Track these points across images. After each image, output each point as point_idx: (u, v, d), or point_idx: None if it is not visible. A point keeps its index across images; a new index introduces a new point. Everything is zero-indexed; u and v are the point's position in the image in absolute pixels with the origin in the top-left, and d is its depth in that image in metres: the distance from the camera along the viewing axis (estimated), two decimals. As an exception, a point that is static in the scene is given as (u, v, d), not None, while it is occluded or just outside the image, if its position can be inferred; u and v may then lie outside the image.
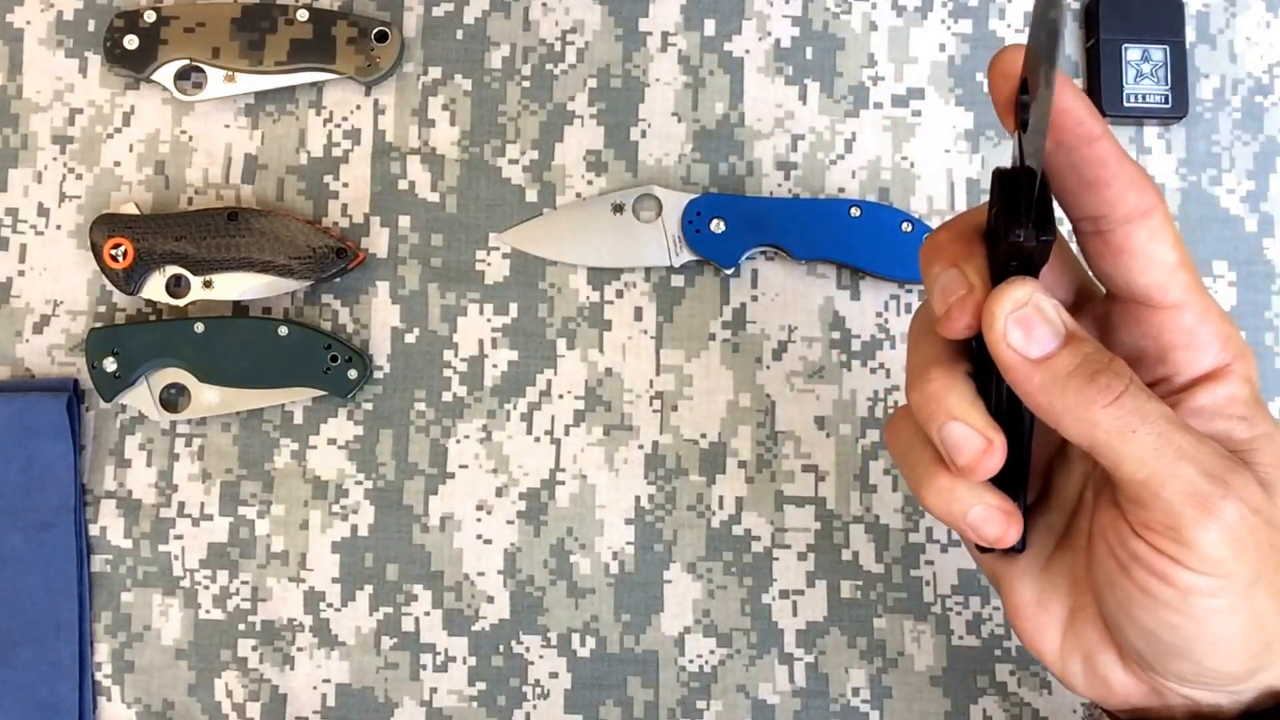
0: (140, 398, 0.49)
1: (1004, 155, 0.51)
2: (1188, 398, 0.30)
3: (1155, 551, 0.28)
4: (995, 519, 0.30)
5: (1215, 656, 0.29)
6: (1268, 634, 0.29)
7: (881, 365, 0.50)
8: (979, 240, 0.30)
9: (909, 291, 0.51)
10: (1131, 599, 0.29)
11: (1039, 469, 0.34)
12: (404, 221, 0.51)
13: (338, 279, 0.50)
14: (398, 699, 0.49)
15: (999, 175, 0.29)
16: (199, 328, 0.49)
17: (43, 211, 0.52)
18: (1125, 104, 0.50)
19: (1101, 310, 0.32)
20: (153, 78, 0.51)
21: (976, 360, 0.31)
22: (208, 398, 0.49)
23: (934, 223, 0.50)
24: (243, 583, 0.50)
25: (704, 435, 0.50)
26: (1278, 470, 0.29)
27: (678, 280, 0.51)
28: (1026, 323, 0.28)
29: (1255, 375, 0.31)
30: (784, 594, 0.49)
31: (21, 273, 0.51)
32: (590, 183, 0.52)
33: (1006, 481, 0.31)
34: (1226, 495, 0.27)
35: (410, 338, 0.51)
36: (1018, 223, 0.28)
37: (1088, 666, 0.32)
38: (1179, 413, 0.30)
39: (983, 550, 0.33)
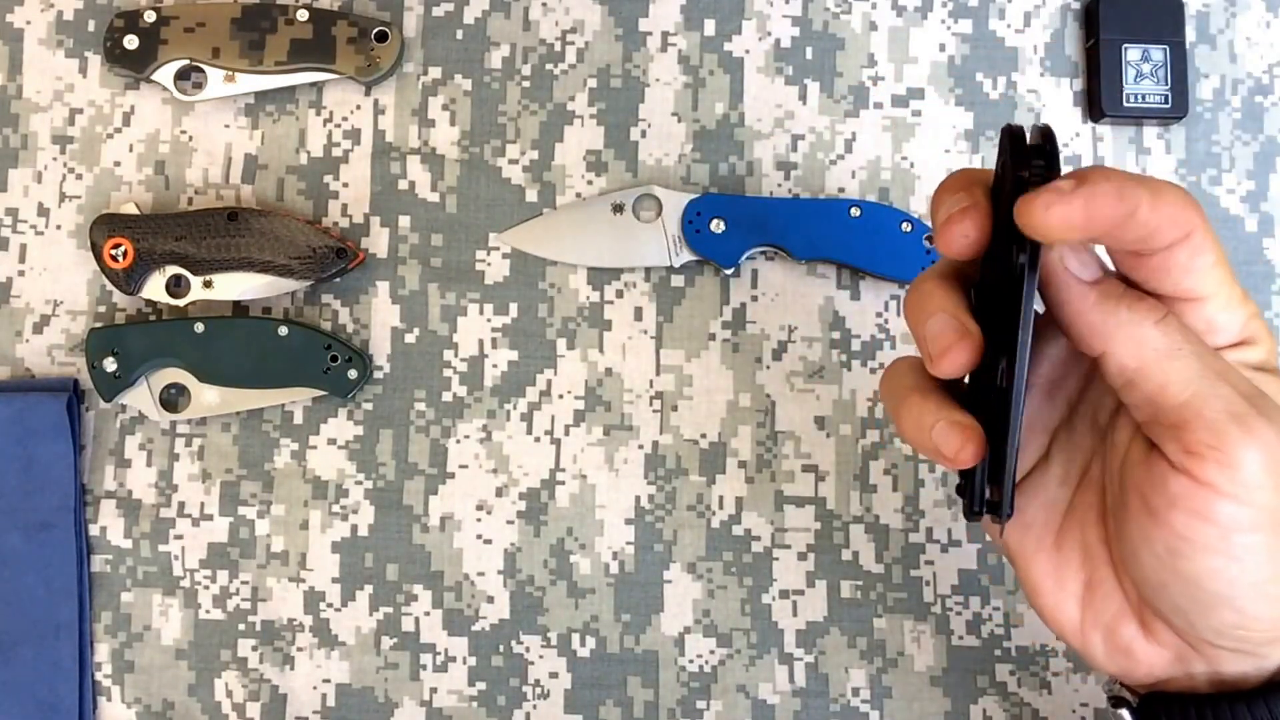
0: (140, 398, 0.49)
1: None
2: None
3: (1196, 485, 0.28)
4: (952, 432, 0.31)
5: (1257, 600, 0.29)
6: None
7: (881, 365, 0.50)
8: (986, 191, 0.31)
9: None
10: (1172, 549, 0.29)
11: (1041, 446, 0.34)
12: (404, 221, 0.51)
13: (338, 279, 0.50)
14: (398, 699, 0.49)
15: (1008, 130, 0.30)
16: (199, 328, 0.49)
17: (43, 211, 0.52)
18: (1125, 104, 0.50)
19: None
20: (153, 78, 0.51)
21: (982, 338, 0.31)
22: (208, 398, 0.49)
23: (921, 211, 0.50)
24: (243, 583, 0.50)
25: (704, 435, 0.50)
26: None
27: (678, 280, 0.51)
28: (1078, 251, 0.30)
29: (1272, 341, 0.31)
30: (784, 594, 0.49)
31: (21, 273, 0.51)
32: (590, 183, 0.52)
33: (995, 460, 0.31)
34: (1260, 416, 0.28)
35: (410, 338, 0.51)
36: (1024, 165, 0.29)
37: (1109, 639, 0.33)
38: None
39: (972, 515, 0.33)
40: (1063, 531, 0.34)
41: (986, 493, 0.32)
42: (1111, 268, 0.31)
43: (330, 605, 0.50)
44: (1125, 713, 0.34)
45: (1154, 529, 0.29)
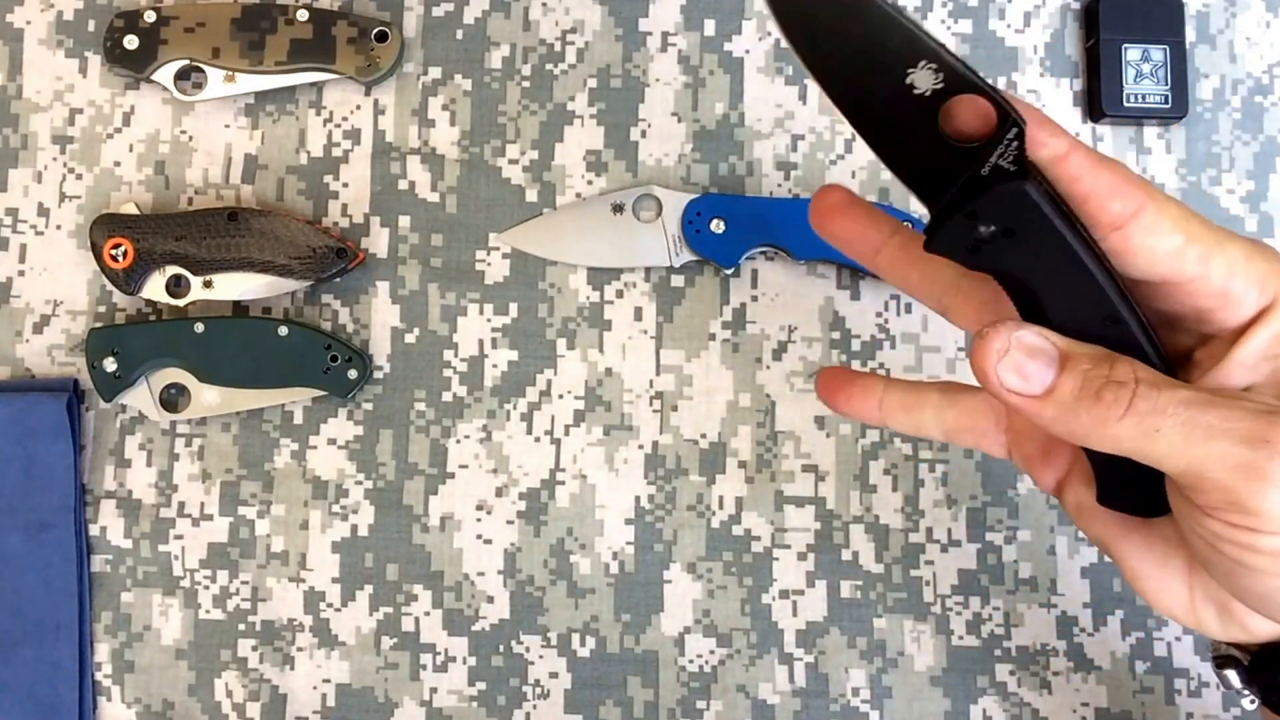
0: (140, 398, 0.49)
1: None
2: (1234, 353, 0.29)
3: (1230, 527, 0.27)
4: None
5: None
6: None
7: (881, 365, 0.50)
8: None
9: (909, 291, 0.51)
10: (1231, 571, 0.29)
11: None
12: (404, 221, 0.51)
13: (338, 279, 0.50)
14: (398, 699, 0.49)
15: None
16: (199, 328, 0.49)
17: (43, 211, 0.52)
18: (1125, 104, 0.50)
19: (1129, 285, 0.31)
20: (153, 78, 0.51)
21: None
22: (208, 398, 0.49)
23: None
24: (243, 583, 0.50)
25: (704, 435, 0.50)
26: None
27: (678, 280, 0.51)
28: (1017, 365, 0.28)
29: None
30: (784, 594, 0.49)
31: (21, 273, 0.51)
32: (590, 183, 0.52)
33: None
34: (1273, 455, 0.26)
35: (410, 338, 0.51)
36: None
37: (1223, 614, 0.32)
38: (1227, 370, 0.29)
39: (1111, 503, 0.32)
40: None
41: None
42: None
43: (330, 605, 0.50)
44: (1232, 673, 0.33)
45: (1209, 552, 0.29)
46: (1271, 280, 0.29)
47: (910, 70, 0.28)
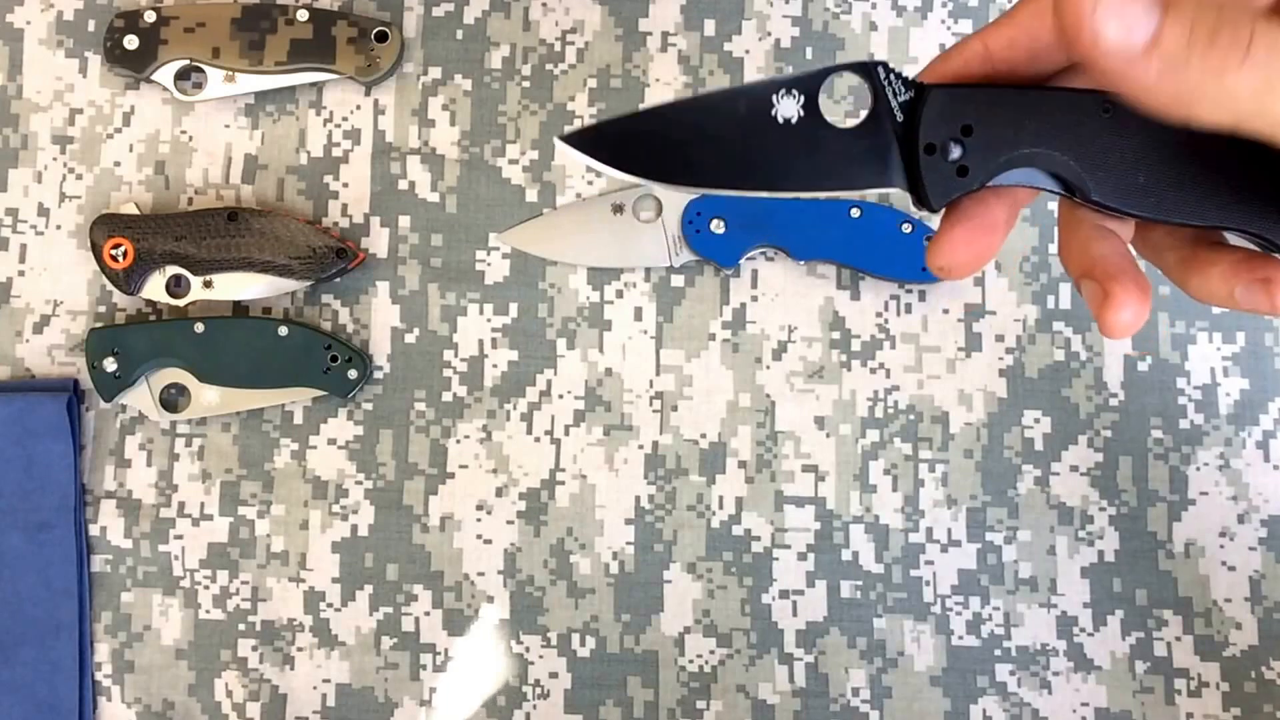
0: (140, 398, 0.49)
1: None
2: None
3: None
4: None
5: None
6: None
7: (881, 365, 0.50)
8: None
9: (909, 291, 0.51)
10: None
11: None
12: (404, 221, 0.51)
13: (338, 279, 0.50)
14: (398, 699, 0.49)
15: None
16: (199, 328, 0.49)
17: (43, 211, 0.52)
18: (1125, 104, 0.50)
19: None
20: (153, 78, 0.51)
21: None
22: (208, 398, 0.49)
23: (933, 224, 0.50)
24: (243, 583, 0.50)
25: (704, 435, 0.50)
26: None
27: (678, 280, 0.51)
28: (1117, 9, 0.23)
29: None
30: (784, 594, 0.49)
31: (21, 273, 0.51)
32: (590, 183, 0.52)
33: None
34: None
35: (410, 338, 0.51)
36: None
37: None
38: None
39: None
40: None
41: None
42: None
43: (330, 605, 0.50)
44: None
45: None
46: None
47: (773, 109, 0.28)
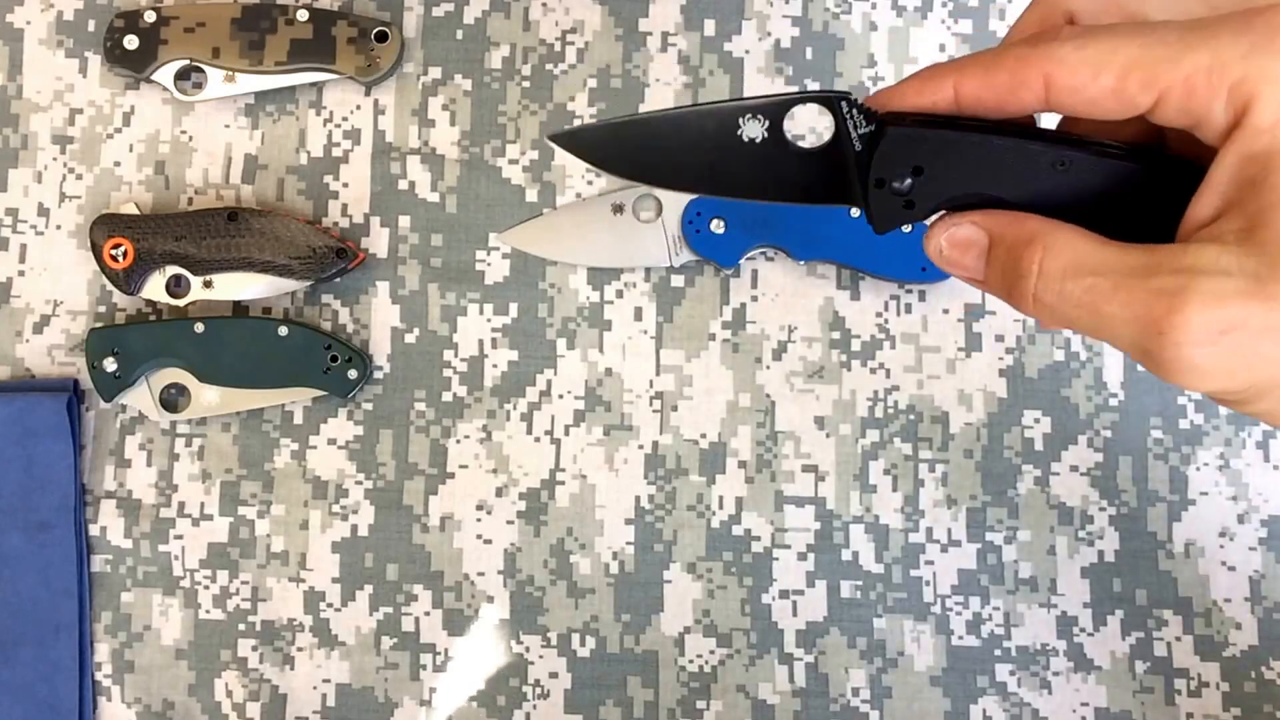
0: (140, 398, 0.49)
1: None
2: (1206, 180, 0.26)
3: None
4: None
5: None
6: None
7: (881, 365, 0.50)
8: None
9: (909, 291, 0.51)
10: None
11: None
12: (404, 221, 0.51)
13: (338, 279, 0.50)
14: (398, 699, 0.49)
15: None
16: (199, 328, 0.49)
17: (43, 211, 0.52)
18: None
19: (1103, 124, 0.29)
20: (153, 78, 0.51)
21: None
22: (208, 398, 0.49)
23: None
24: (243, 583, 0.50)
25: (704, 435, 0.50)
26: None
27: (678, 280, 0.51)
28: (951, 261, 0.29)
29: None
30: (784, 594, 0.49)
31: (21, 273, 0.51)
32: (590, 183, 0.52)
33: None
34: (1164, 347, 0.25)
35: (410, 338, 0.51)
36: None
37: None
38: (1202, 198, 0.26)
39: None
40: None
41: None
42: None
43: (330, 605, 0.50)
44: None
45: None
46: (1242, 87, 0.25)
47: (739, 130, 0.30)
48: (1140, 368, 0.50)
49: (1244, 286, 0.24)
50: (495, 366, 0.51)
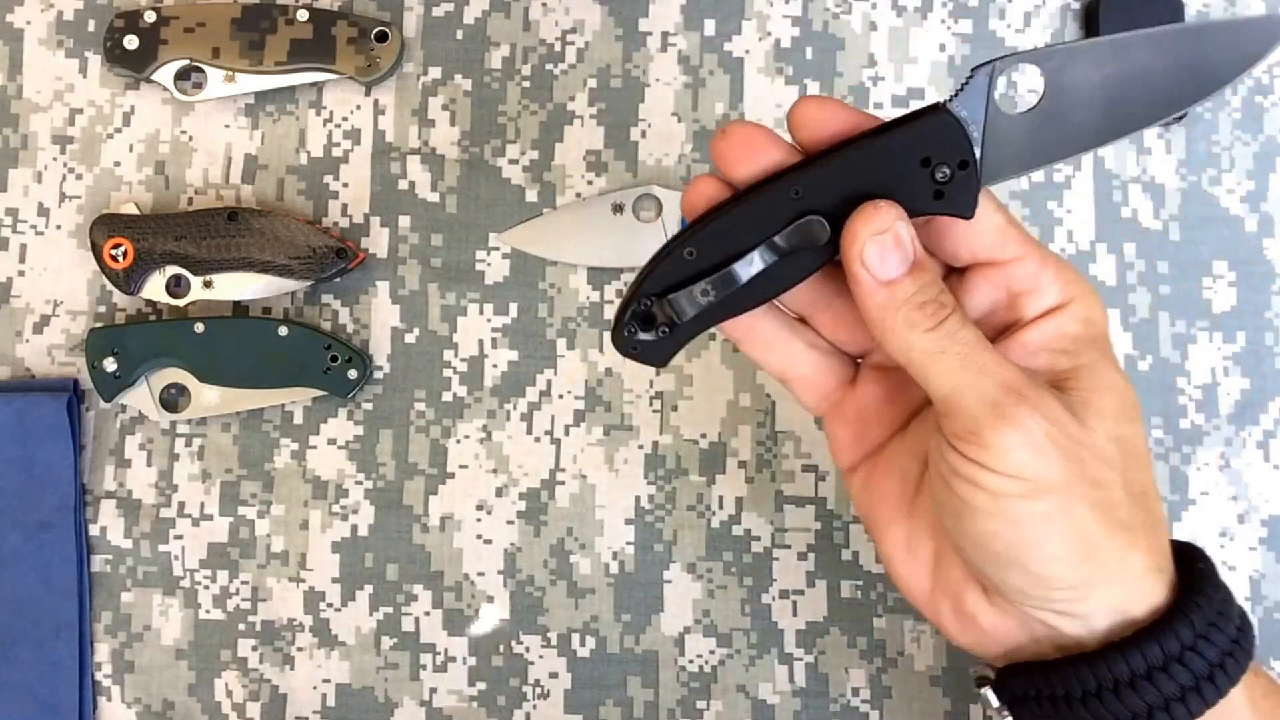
0: (140, 398, 0.49)
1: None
2: (1021, 334, 0.33)
3: (964, 459, 0.31)
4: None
5: (1039, 561, 0.31)
6: (1092, 544, 0.31)
7: (881, 365, 0.50)
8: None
9: (909, 291, 0.51)
10: (958, 511, 0.32)
11: (900, 421, 0.37)
12: (404, 221, 0.51)
13: (338, 279, 0.50)
14: (398, 699, 0.49)
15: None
16: (199, 328, 0.49)
17: (43, 211, 0.52)
18: (1125, 104, 0.50)
19: (956, 279, 0.35)
20: (153, 78, 0.51)
21: None
22: (208, 398, 0.49)
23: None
24: (243, 583, 0.50)
25: (704, 435, 0.50)
26: (1093, 395, 0.32)
27: (678, 280, 0.51)
28: (882, 248, 0.31)
29: (1098, 314, 0.34)
30: (784, 594, 0.49)
31: (21, 273, 0.51)
32: (590, 183, 0.52)
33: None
34: (1020, 404, 0.30)
35: (410, 338, 0.51)
36: None
37: (956, 608, 0.35)
38: (1009, 347, 0.33)
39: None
40: (915, 502, 0.35)
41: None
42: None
43: (330, 605, 0.50)
44: (989, 692, 0.35)
45: (944, 493, 0.32)
46: (1072, 285, 0.33)
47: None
48: (1140, 367, 0.50)
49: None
50: (495, 366, 0.51)
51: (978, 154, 0.32)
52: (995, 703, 0.35)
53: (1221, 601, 0.32)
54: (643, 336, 0.34)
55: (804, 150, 0.33)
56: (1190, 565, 0.33)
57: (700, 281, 0.32)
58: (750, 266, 0.32)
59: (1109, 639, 0.32)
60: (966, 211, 0.32)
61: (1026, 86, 0.34)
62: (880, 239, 0.31)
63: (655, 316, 0.33)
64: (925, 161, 0.31)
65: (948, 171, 0.31)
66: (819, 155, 0.32)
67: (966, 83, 0.31)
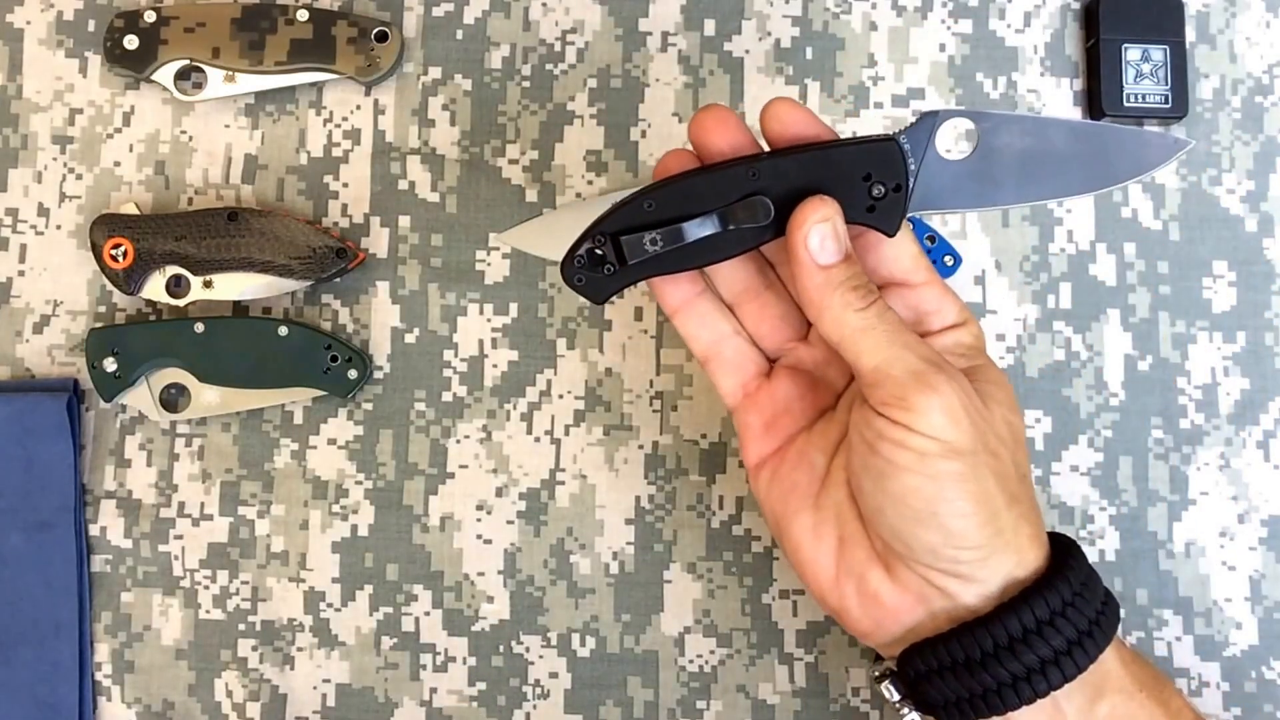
0: (140, 398, 0.49)
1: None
2: (930, 340, 0.38)
3: (891, 423, 0.35)
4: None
5: (952, 516, 0.35)
6: (994, 507, 0.35)
7: (881, 365, 0.50)
8: None
9: (909, 291, 0.51)
10: (881, 472, 0.35)
11: (808, 419, 0.41)
12: (404, 221, 0.51)
13: (338, 279, 0.50)
14: (398, 699, 0.49)
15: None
16: (199, 328, 0.49)
17: (43, 211, 0.52)
18: (1125, 104, 0.50)
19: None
20: (153, 78, 0.51)
21: None
22: (208, 398, 0.49)
23: (934, 223, 0.50)
24: (243, 583, 0.50)
25: (704, 435, 0.50)
26: (988, 387, 0.37)
27: (678, 280, 0.51)
28: (823, 236, 0.36)
29: (981, 334, 0.40)
30: (784, 594, 0.49)
31: (21, 273, 0.51)
32: (590, 183, 0.52)
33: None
34: (940, 374, 0.35)
35: (410, 338, 0.51)
36: None
37: (860, 589, 0.38)
38: None
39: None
40: (821, 493, 0.39)
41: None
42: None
43: (330, 605, 0.50)
44: (889, 685, 0.38)
45: (869, 457, 0.35)
46: (964, 311, 0.39)
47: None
48: (1140, 367, 0.50)
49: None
50: (495, 366, 0.51)
51: (911, 183, 0.36)
52: (896, 696, 0.38)
53: (1088, 570, 0.37)
54: (589, 271, 0.37)
55: (769, 143, 0.37)
56: (1057, 541, 0.38)
57: (652, 230, 0.36)
58: (699, 228, 0.36)
59: (1000, 602, 0.36)
60: (891, 229, 0.37)
61: (963, 139, 0.36)
62: (821, 227, 0.35)
63: (605, 255, 0.37)
64: (866, 177, 0.36)
65: (883, 189, 0.36)
66: (780, 150, 0.37)
67: (917, 123, 0.36)
